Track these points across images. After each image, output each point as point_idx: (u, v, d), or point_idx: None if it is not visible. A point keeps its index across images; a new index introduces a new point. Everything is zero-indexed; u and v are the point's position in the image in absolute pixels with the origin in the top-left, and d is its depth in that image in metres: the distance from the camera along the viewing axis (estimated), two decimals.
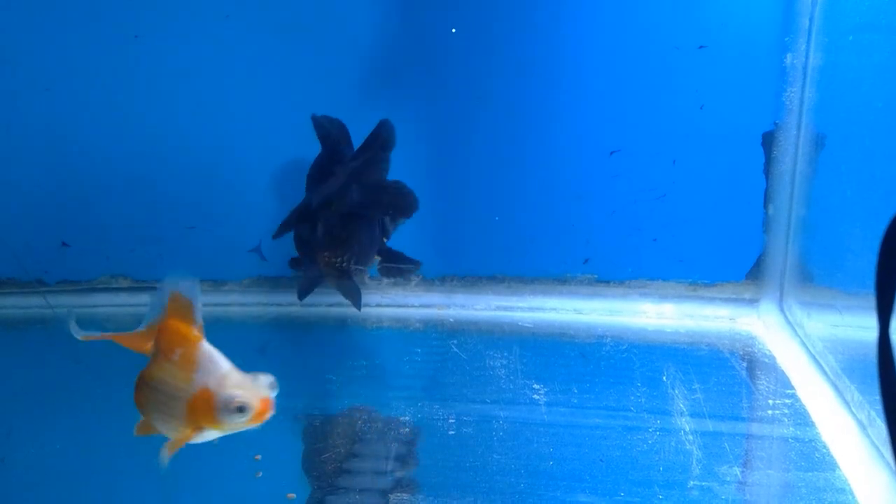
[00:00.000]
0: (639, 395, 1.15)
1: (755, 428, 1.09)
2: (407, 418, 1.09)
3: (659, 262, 1.45)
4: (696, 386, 1.16)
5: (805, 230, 1.36)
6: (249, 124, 1.43)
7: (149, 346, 0.76)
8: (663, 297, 1.46)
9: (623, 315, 1.44)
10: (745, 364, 1.26)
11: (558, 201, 1.44)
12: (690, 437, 1.03)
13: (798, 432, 1.05)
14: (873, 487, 0.92)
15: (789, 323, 1.38)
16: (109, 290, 1.52)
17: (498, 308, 1.48)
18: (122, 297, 1.50)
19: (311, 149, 1.32)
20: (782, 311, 1.41)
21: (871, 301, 0.59)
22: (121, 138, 1.44)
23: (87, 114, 1.43)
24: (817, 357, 1.24)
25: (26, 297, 1.52)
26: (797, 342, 1.31)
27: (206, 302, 0.75)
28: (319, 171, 1.29)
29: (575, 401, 1.13)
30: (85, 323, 0.79)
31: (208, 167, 1.45)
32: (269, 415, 0.72)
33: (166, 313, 0.75)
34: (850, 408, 1.09)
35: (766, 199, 1.41)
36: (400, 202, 1.31)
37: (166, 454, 0.73)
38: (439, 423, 1.07)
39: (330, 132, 1.31)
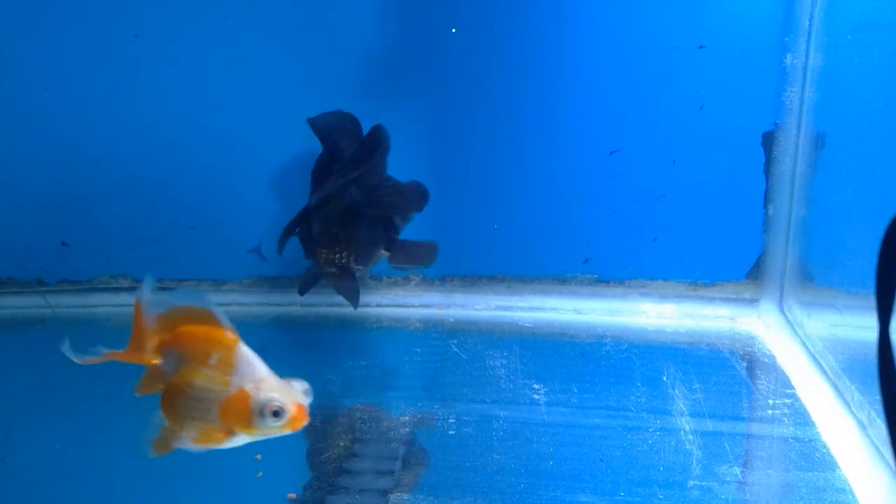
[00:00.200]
0: (639, 394, 1.15)
1: (755, 428, 1.09)
2: (407, 418, 1.09)
3: (659, 261, 1.45)
4: (696, 386, 1.16)
5: (805, 230, 1.36)
6: (249, 124, 1.44)
7: (149, 357, 0.75)
8: (663, 297, 1.46)
9: (623, 315, 1.44)
10: (745, 364, 1.26)
11: (558, 201, 1.44)
12: (690, 437, 1.03)
13: (798, 432, 1.05)
14: (873, 487, 0.92)
15: (789, 323, 1.38)
16: (109, 290, 1.52)
17: (498, 308, 1.48)
18: (122, 297, 1.49)
19: (312, 149, 1.32)
20: (782, 310, 1.41)
21: (871, 301, 0.59)
22: (121, 138, 1.44)
23: (87, 114, 1.43)
24: (817, 357, 1.24)
25: (26, 297, 1.52)
26: (797, 342, 1.31)
27: None
28: (320, 171, 1.29)
29: (575, 401, 1.13)
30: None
31: (208, 167, 1.46)
32: (304, 422, 0.71)
33: (175, 322, 0.74)
34: (850, 408, 1.09)
35: (766, 199, 1.41)
36: (398, 201, 1.31)
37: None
38: (439, 423, 1.07)
39: (330, 133, 1.31)
